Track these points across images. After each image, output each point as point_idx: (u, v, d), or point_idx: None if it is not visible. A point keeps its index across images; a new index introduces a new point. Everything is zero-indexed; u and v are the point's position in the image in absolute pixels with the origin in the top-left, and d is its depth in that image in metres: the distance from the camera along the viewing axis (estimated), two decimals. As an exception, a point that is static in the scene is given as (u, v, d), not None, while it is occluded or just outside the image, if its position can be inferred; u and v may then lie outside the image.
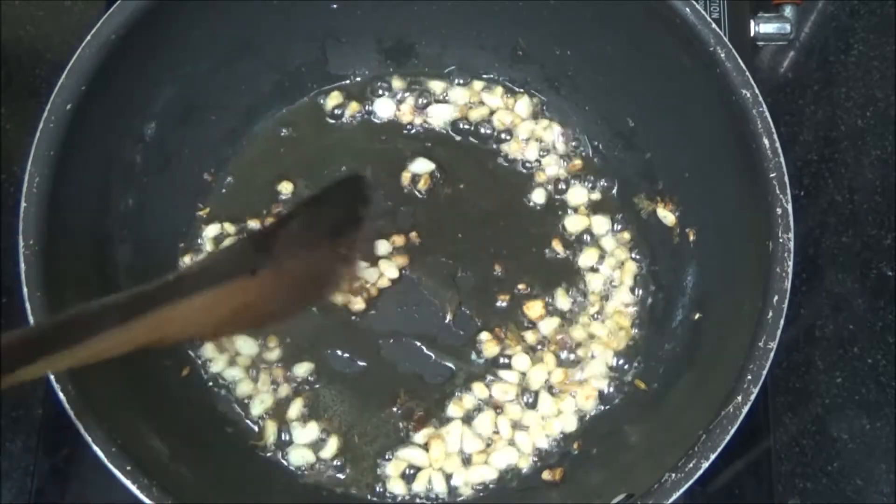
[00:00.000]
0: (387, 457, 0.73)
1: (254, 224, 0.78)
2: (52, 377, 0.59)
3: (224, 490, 0.66)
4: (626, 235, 0.79)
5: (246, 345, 0.75)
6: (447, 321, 0.77)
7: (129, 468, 0.57)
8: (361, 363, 0.75)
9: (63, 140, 0.63)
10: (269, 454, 0.73)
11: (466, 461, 0.73)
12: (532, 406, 0.74)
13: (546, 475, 0.72)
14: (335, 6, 0.78)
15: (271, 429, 0.73)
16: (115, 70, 0.65)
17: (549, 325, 0.76)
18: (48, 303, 0.61)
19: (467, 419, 0.74)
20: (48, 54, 0.87)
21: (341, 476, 0.72)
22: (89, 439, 0.58)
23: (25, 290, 0.60)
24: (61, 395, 0.59)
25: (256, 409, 0.74)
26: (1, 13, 0.87)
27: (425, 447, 0.73)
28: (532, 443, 0.73)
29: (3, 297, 0.77)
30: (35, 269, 0.61)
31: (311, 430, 0.73)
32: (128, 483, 0.57)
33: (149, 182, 0.74)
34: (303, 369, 0.75)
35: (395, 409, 0.74)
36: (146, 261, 0.73)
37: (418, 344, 0.76)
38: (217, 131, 0.80)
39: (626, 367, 0.75)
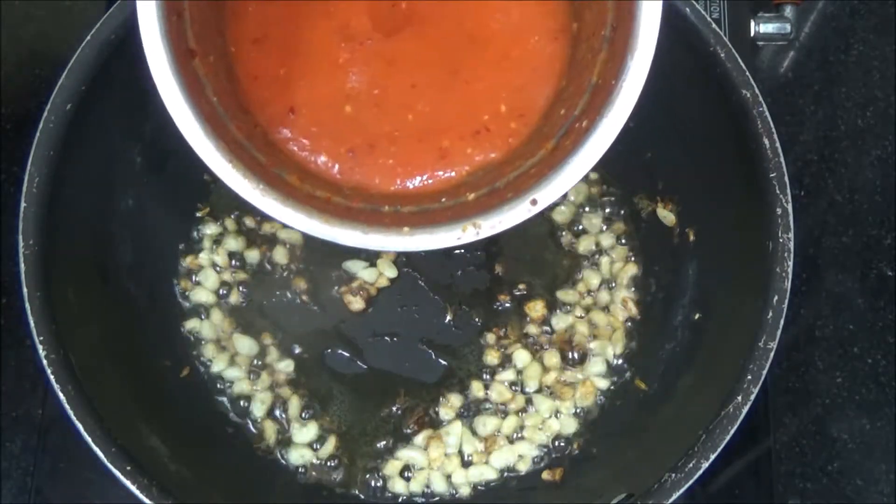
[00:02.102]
0: (386, 457, 0.73)
1: (252, 223, 0.78)
2: (51, 377, 0.59)
3: (224, 490, 0.66)
4: (626, 235, 0.79)
5: (246, 345, 0.75)
6: (447, 321, 0.77)
7: (129, 468, 0.57)
8: (361, 363, 0.75)
9: (63, 140, 0.63)
10: (269, 454, 0.73)
11: (466, 461, 0.73)
12: (532, 406, 0.74)
13: (546, 475, 0.72)
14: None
15: (271, 429, 0.73)
16: (115, 70, 0.65)
17: (548, 325, 0.76)
18: (48, 303, 0.61)
19: (467, 419, 0.74)
20: (48, 54, 0.86)
21: (341, 476, 0.72)
22: (89, 439, 0.58)
23: (25, 290, 0.60)
24: (61, 395, 0.59)
25: (256, 409, 0.74)
26: (1, 13, 0.86)
27: (425, 447, 0.73)
28: (532, 443, 0.73)
29: (3, 297, 0.77)
30: (35, 269, 0.61)
31: (311, 430, 0.73)
32: (128, 483, 0.57)
33: (149, 182, 0.74)
34: (302, 369, 0.75)
35: (394, 409, 0.74)
36: (146, 261, 0.73)
37: (418, 344, 0.76)
38: (217, 131, 0.80)
39: (626, 366, 0.75)
